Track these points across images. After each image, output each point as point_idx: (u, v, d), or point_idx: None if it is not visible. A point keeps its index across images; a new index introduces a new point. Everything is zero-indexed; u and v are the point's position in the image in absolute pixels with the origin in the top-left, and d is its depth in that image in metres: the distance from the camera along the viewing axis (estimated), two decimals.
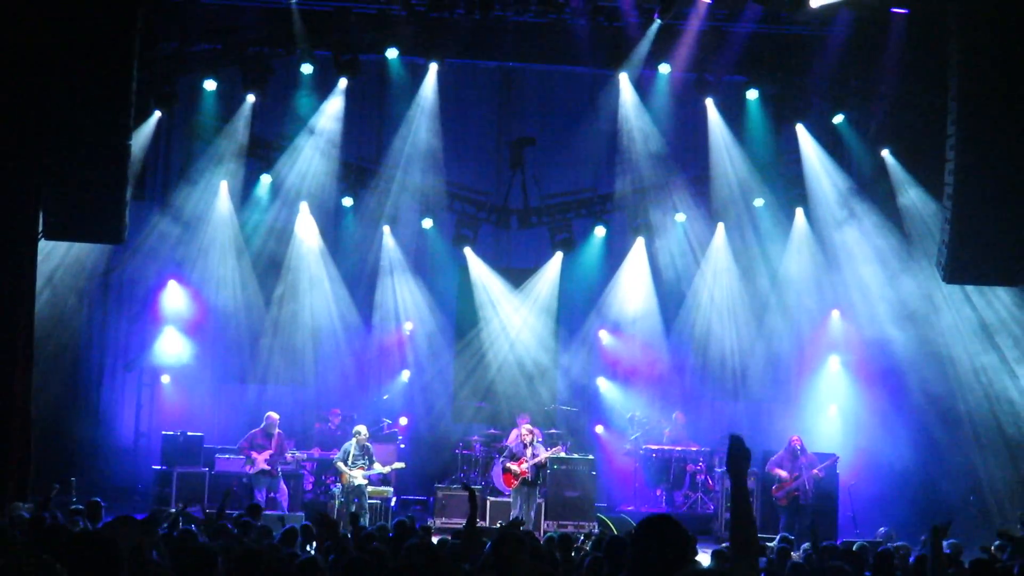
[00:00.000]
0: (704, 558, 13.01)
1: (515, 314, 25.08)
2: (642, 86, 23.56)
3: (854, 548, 12.90)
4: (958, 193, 18.87)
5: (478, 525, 19.54)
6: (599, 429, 24.89)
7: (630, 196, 24.46)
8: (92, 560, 5.63)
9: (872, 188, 23.30)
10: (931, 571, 8.95)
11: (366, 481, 20.34)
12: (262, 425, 21.22)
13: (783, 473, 20.74)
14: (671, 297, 25.02)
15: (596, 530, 19.88)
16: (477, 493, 21.06)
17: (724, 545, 13.70)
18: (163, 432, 22.38)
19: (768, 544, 13.95)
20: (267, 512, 18.85)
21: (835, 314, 24.51)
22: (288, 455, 21.26)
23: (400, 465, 21.24)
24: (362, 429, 20.79)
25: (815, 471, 20.74)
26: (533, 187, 24.83)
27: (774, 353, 24.69)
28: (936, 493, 22.52)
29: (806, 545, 13.20)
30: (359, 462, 20.35)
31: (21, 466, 17.71)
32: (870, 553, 12.80)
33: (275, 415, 21.44)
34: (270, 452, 20.87)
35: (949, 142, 19.08)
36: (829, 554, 11.84)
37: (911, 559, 12.51)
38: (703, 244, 24.89)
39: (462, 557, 8.31)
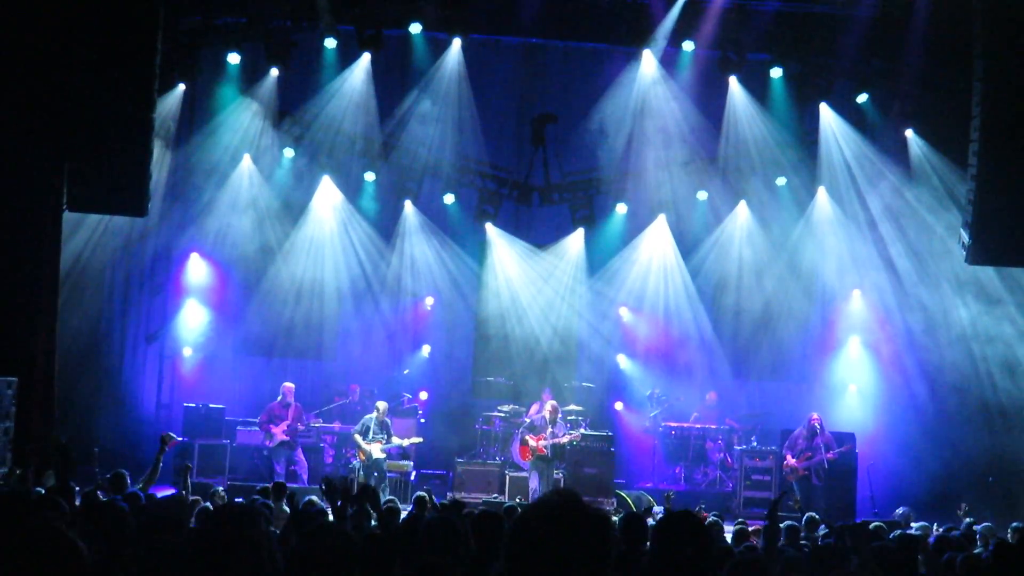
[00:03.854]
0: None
1: (536, 290, 25.08)
2: (665, 64, 23.48)
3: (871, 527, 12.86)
4: (982, 174, 18.81)
5: (495, 499, 19.66)
6: (618, 406, 24.91)
7: (652, 173, 24.37)
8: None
9: (895, 168, 23.21)
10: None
11: (384, 455, 20.44)
12: (279, 397, 21.39)
13: (792, 462, 20.95)
14: (692, 275, 24.99)
15: (613, 506, 19.99)
16: (496, 468, 21.27)
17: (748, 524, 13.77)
18: (184, 404, 22.52)
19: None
20: (288, 485, 18.99)
21: (856, 294, 24.48)
22: (300, 426, 21.28)
23: (418, 439, 21.32)
24: (382, 405, 20.91)
25: (829, 455, 20.86)
26: (555, 164, 24.76)
27: (796, 332, 24.68)
28: (956, 473, 22.54)
29: (823, 528, 13.21)
30: (378, 436, 20.45)
31: (43, 434, 17.82)
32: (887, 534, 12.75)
33: (290, 385, 21.65)
34: (287, 423, 21.00)
35: (974, 123, 19.02)
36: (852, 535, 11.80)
37: (931, 539, 12.46)
38: (725, 222, 24.85)
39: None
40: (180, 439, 15.64)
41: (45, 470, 14.73)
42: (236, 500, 12.86)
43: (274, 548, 5.93)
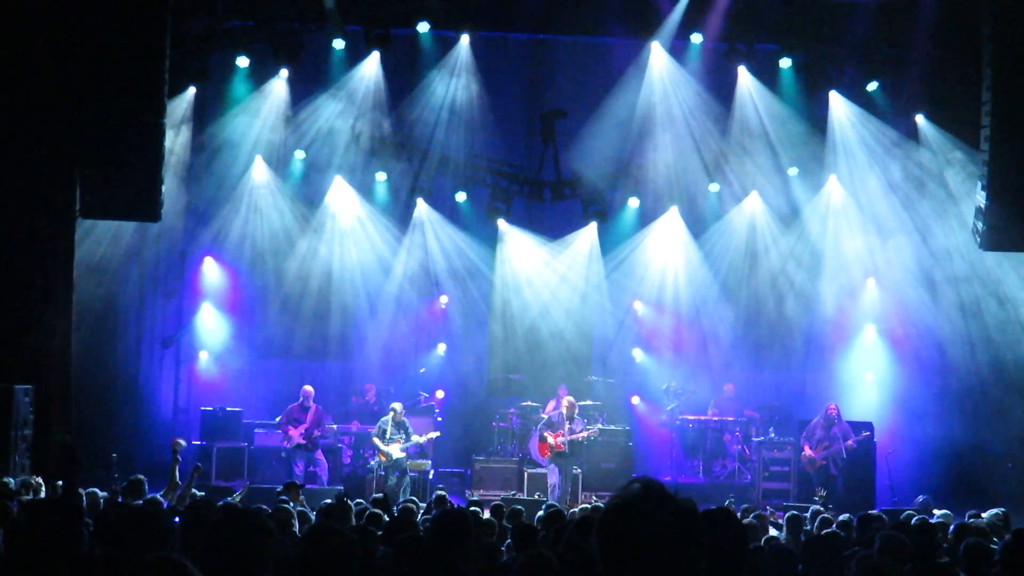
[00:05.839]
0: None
1: (550, 286, 25.06)
2: (674, 55, 23.45)
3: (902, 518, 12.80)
4: (994, 159, 18.74)
5: (514, 496, 19.67)
6: (635, 400, 24.89)
7: (663, 166, 24.33)
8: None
9: (907, 154, 23.15)
10: None
11: (404, 454, 20.40)
12: (299, 400, 21.41)
13: (810, 453, 20.91)
14: (706, 267, 24.95)
15: None
16: (514, 465, 21.26)
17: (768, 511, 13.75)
18: (202, 408, 22.54)
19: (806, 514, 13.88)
20: (308, 486, 19.02)
21: (870, 282, 24.41)
22: (316, 432, 21.24)
23: (435, 434, 21.23)
24: (397, 406, 20.84)
25: (849, 442, 20.81)
26: (565, 159, 24.72)
27: (811, 322, 24.63)
28: (975, 460, 22.46)
29: (844, 516, 13.17)
30: (395, 437, 20.42)
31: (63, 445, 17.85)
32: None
33: (310, 388, 21.62)
34: (304, 426, 21.01)
35: (985, 108, 18.94)
36: (871, 524, 11.79)
37: (951, 528, 12.42)
38: (737, 213, 24.80)
39: None
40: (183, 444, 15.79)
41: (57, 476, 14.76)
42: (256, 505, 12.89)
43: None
